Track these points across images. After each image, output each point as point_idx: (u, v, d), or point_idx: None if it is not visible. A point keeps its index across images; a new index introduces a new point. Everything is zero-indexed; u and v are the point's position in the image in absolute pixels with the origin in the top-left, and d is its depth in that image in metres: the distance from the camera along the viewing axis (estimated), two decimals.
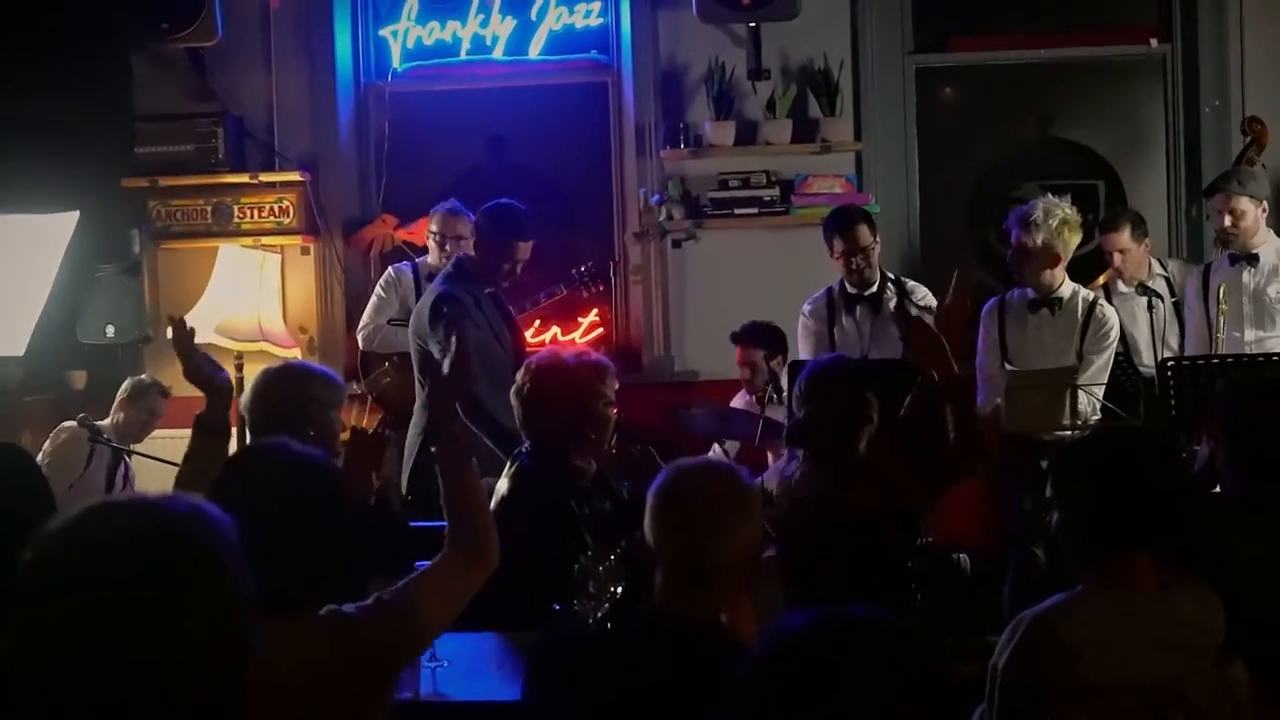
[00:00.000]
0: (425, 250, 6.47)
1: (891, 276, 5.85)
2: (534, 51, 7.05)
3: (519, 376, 4.13)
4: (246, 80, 6.98)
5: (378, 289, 6.48)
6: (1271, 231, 5.87)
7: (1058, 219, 5.38)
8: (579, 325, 7.03)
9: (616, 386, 4.12)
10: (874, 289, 5.75)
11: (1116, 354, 5.52)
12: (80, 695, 1.47)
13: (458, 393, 3.00)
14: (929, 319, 4.40)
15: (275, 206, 6.89)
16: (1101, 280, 6.14)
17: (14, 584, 1.51)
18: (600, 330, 7.03)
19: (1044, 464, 3.23)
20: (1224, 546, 3.05)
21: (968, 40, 7.12)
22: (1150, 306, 5.62)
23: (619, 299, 7.02)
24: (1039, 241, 5.38)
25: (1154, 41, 6.94)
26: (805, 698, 1.67)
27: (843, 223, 5.72)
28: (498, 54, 7.07)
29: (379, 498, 3.76)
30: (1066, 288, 5.48)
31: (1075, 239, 5.46)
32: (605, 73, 7.05)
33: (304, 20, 6.99)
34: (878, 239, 5.75)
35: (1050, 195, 5.72)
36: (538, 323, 6.85)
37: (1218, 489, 3.62)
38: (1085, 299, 5.48)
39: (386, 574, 2.89)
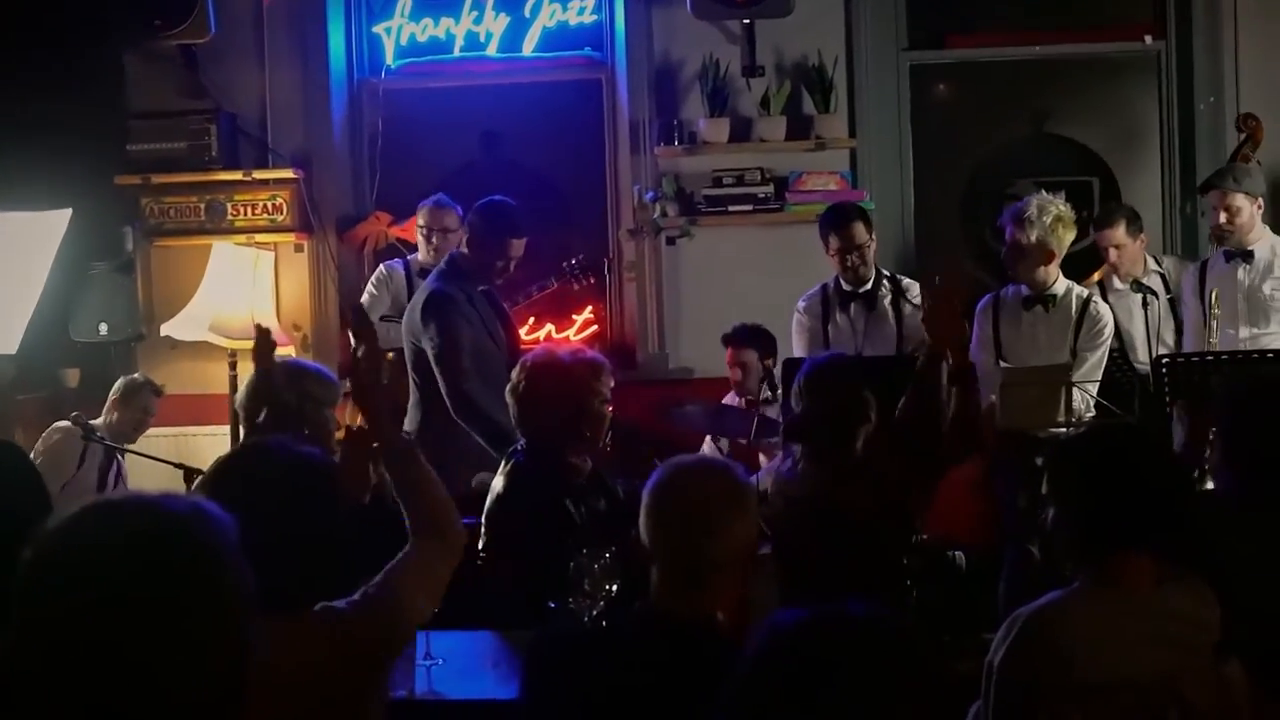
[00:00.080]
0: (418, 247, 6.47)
1: (886, 274, 5.85)
2: (528, 48, 7.04)
3: (515, 374, 4.13)
4: (239, 77, 6.96)
5: (369, 286, 6.48)
6: (1267, 228, 5.88)
7: (1052, 215, 5.38)
8: (573, 323, 7.03)
9: (612, 384, 4.13)
10: (869, 286, 5.75)
11: (1111, 350, 5.52)
12: (80, 695, 1.47)
13: (378, 391, 2.91)
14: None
15: (269, 203, 6.87)
16: (1096, 277, 6.13)
17: (13, 583, 1.51)
18: (595, 328, 7.02)
19: (1039, 461, 3.23)
20: (1220, 545, 3.05)
21: (962, 37, 7.11)
22: (1145, 303, 5.63)
23: (613, 296, 7.00)
24: (1033, 238, 5.38)
25: (1148, 38, 6.94)
26: (802, 695, 1.67)
27: (838, 220, 5.72)
28: (491, 50, 7.06)
29: (374, 495, 3.75)
30: (1061, 284, 5.48)
31: (1070, 236, 5.46)
32: (599, 70, 7.04)
33: (297, 17, 6.97)
34: (873, 236, 5.74)
35: (1045, 192, 5.70)
36: (532, 320, 6.85)
37: (1197, 473, 3.65)
38: (1079, 296, 5.48)
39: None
